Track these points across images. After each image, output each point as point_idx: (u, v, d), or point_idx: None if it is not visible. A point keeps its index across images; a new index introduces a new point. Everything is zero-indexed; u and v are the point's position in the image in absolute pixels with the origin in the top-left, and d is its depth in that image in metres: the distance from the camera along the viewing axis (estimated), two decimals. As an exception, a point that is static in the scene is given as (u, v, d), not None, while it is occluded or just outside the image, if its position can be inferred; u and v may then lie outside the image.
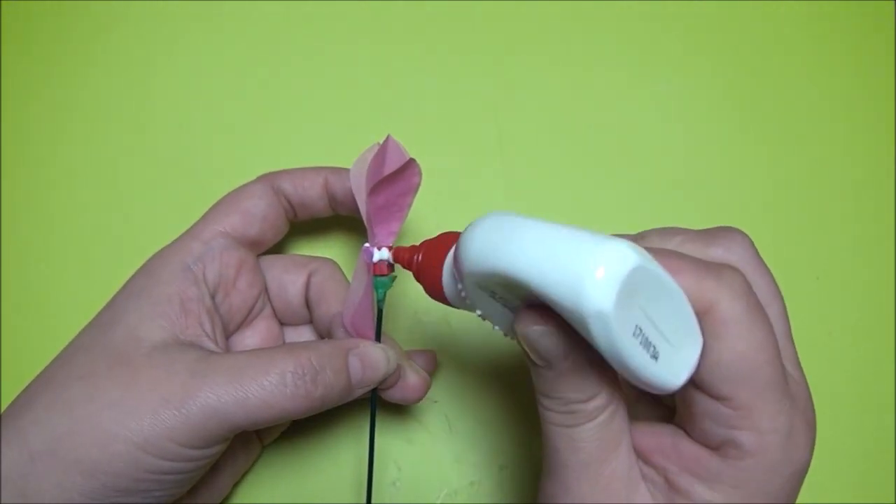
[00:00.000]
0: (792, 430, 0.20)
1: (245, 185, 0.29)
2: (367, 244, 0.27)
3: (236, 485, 0.31)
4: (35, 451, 0.22)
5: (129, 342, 0.24)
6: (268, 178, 0.30)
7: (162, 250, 0.28)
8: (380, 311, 0.28)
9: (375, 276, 0.27)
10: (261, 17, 0.39)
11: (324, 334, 0.30)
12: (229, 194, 0.29)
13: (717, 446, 0.20)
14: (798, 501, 0.31)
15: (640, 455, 0.22)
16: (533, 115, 0.37)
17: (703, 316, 0.19)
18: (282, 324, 0.31)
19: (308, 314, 0.30)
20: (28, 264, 0.35)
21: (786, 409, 0.20)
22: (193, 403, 0.23)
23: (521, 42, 0.39)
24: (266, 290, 0.30)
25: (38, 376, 0.25)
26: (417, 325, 0.34)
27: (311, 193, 0.30)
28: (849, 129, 0.37)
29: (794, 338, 0.34)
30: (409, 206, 0.27)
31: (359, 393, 0.26)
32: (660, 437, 0.22)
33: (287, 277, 0.30)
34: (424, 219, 0.35)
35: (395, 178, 0.26)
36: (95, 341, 0.25)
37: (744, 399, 0.19)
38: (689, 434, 0.21)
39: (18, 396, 0.24)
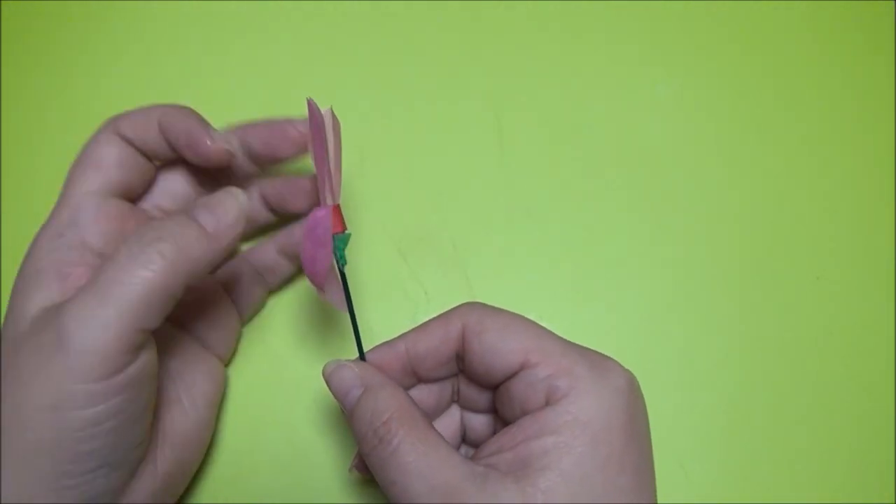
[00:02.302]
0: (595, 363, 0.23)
1: (93, 139, 0.28)
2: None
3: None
4: None
5: (14, 326, 0.24)
6: (110, 126, 0.28)
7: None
8: (342, 275, 0.26)
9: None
10: (262, 17, 0.39)
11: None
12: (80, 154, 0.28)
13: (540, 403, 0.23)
14: (797, 501, 0.31)
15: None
16: (533, 115, 0.37)
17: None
18: None
19: None
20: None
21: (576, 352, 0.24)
22: (72, 341, 0.22)
23: (522, 42, 0.39)
24: None
25: None
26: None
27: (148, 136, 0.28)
28: (849, 128, 0.37)
29: (794, 337, 0.34)
30: (328, 158, 0.26)
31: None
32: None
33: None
34: (425, 219, 0.35)
35: (318, 135, 0.26)
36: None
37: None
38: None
39: None
